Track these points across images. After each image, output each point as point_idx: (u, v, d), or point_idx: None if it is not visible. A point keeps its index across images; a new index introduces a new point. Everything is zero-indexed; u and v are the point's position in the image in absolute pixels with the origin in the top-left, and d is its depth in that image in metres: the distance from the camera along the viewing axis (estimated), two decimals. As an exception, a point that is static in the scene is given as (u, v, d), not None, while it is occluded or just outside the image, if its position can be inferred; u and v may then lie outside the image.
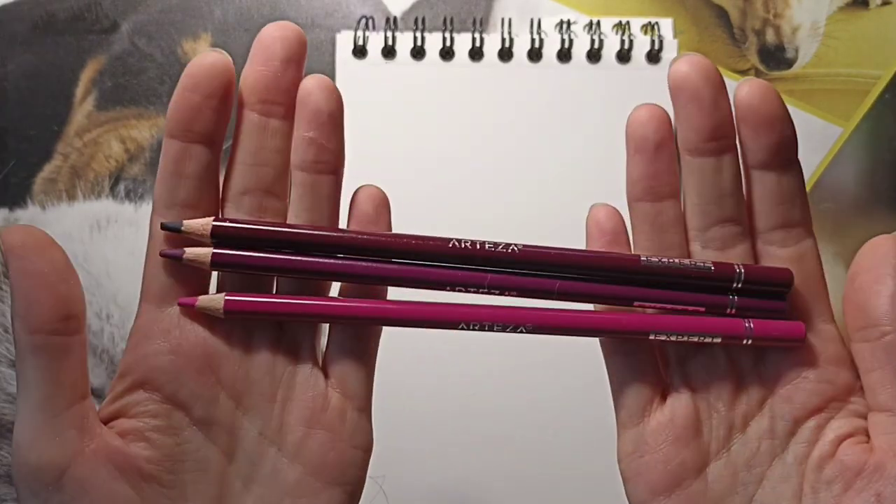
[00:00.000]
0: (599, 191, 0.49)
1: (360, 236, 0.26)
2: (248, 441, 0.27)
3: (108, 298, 0.49)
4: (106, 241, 0.50)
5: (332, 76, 0.50)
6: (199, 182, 0.26)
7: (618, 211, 0.28)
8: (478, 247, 0.26)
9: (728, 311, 0.27)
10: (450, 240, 0.26)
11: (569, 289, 0.27)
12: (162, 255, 0.26)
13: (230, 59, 0.26)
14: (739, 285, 0.26)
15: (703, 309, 0.27)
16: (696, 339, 0.27)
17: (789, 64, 0.50)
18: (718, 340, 0.27)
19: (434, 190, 0.48)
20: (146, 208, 0.51)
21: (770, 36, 0.50)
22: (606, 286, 0.27)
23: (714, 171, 0.26)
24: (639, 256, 0.27)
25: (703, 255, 0.27)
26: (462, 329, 0.27)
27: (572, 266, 0.27)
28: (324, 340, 0.29)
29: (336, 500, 0.27)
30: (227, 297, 0.26)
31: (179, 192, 0.26)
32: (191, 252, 0.26)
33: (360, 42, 0.50)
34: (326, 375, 0.28)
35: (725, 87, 0.26)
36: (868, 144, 0.49)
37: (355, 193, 0.28)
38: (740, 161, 0.27)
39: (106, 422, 0.26)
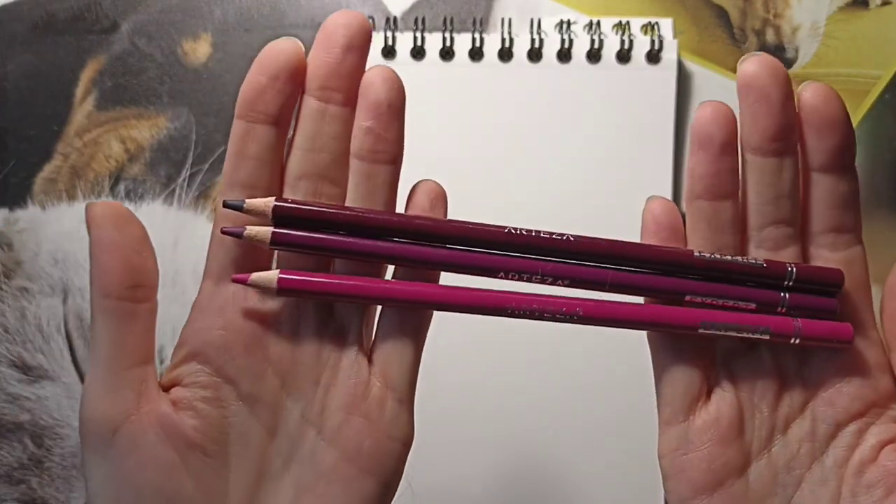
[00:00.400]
0: (599, 190, 0.49)
1: (415, 220, 0.27)
2: (291, 421, 0.27)
3: (108, 298, 0.49)
4: (106, 241, 0.50)
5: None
6: (261, 163, 0.27)
7: (675, 205, 0.28)
8: (533, 234, 0.27)
9: (779, 308, 0.27)
10: (506, 227, 0.27)
11: (621, 280, 0.27)
12: (223, 232, 0.27)
13: (301, 45, 0.27)
14: (791, 283, 0.27)
15: (753, 306, 0.27)
16: (744, 335, 0.27)
17: (789, 64, 0.50)
18: (766, 337, 0.27)
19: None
20: (146, 208, 0.51)
21: (770, 36, 0.50)
22: (659, 278, 0.27)
23: (775, 171, 0.26)
24: (692, 251, 0.27)
25: (755, 254, 0.27)
26: (511, 315, 0.27)
27: (626, 258, 0.27)
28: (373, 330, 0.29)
29: (369, 489, 0.27)
30: (280, 275, 0.26)
31: (241, 171, 0.27)
32: (251, 230, 0.26)
33: (360, 42, 0.50)
34: (371, 364, 0.28)
35: (792, 89, 0.26)
36: (868, 144, 0.49)
37: (414, 186, 0.28)
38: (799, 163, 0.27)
39: (164, 389, 0.27)
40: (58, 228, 0.50)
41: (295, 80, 0.27)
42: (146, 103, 0.52)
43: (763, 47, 0.50)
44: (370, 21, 0.27)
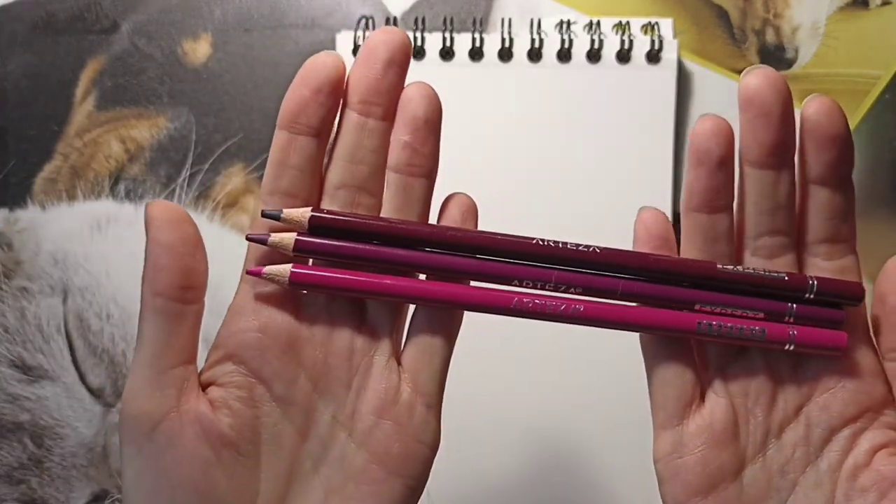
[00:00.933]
0: (599, 190, 0.49)
1: (446, 231, 0.28)
2: (322, 424, 0.28)
3: (108, 298, 0.49)
4: (106, 241, 0.50)
5: (332, 76, 0.50)
6: (302, 173, 0.28)
7: (665, 216, 0.28)
8: (560, 245, 0.27)
9: (786, 318, 0.27)
10: (533, 238, 0.28)
11: (632, 289, 0.27)
12: (248, 238, 0.28)
13: (342, 60, 0.27)
14: (812, 296, 0.27)
15: (762, 315, 0.27)
16: (738, 339, 0.27)
17: (789, 64, 0.50)
18: (761, 342, 0.27)
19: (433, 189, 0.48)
20: (146, 208, 0.51)
21: (770, 36, 0.50)
22: (669, 288, 0.27)
23: (772, 184, 0.27)
24: (715, 264, 0.27)
25: (750, 262, 0.28)
26: (512, 313, 0.27)
27: (651, 269, 0.27)
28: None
29: (397, 491, 0.28)
30: (293, 269, 0.27)
31: (283, 180, 0.27)
32: (276, 237, 0.27)
33: (360, 42, 0.50)
34: (401, 370, 0.29)
35: (793, 103, 0.26)
36: (868, 144, 0.49)
37: (446, 199, 0.29)
38: (797, 174, 0.27)
39: (202, 388, 0.28)
40: (58, 228, 0.50)
41: (336, 93, 0.27)
42: (146, 103, 0.52)
43: (763, 47, 0.50)
44: (409, 38, 0.28)
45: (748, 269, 0.27)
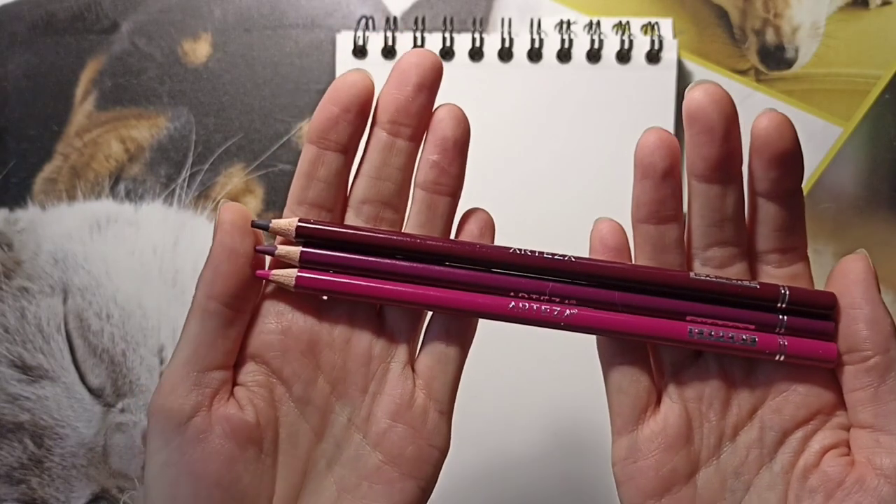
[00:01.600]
0: (599, 191, 0.49)
1: (426, 242, 0.28)
2: (338, 425, 0.29)
3: (108, 298, 0.49)
4: (106, 241, 0.50)
5: (332, 76, 0.50)
6: (328, 186, 0.28)
7: (621, 227, 0.29)
8: (536, 255, 0.28)
9: (777, 330, 0.28)
10: (510, 247, 0.28)
11: (628, 301, 0.28)
12: (256, 250, 0.28)
13: (372, 79, 0.28)
14: (784, 305, 0.27)
15: (753, 327, 0.28)
16: (729, 346, 0.27)
17: (789, 64, 0.50)
18: (753, 351, 0.27)
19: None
20: (146, 208, 0.51)
21: (770, 36, 0.50)
22: (664, 300, 0.28)
23: (718, 197, 0.27)
24: (688, 273, 0.28)
25: (701, 271, 0.28)
26: (504, 318, 0.28)
27: (624, 279, 0.28)
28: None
29: (409, 491, 0.29)
30: (298, 273, 0.28)
31: (310, 192, 0.29)
32: (282, 249, 0.28)
33: (360, 42, 0.50)
34: (416, 377, 0.30)
35: (737, 119, 0.27)
36: (868, 144, 0.49)
37: (465, 214, 0.30)
38: (746, 185, 0.28)
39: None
40: (58, 228, 0.50)
41: (364, 112, 0.28)
42: (146, 103, 0.52)
43: (763, 47, 0.50)
44: (441, 61, 0.29)
45: (721, 278, 0.28)
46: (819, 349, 0.27)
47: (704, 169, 0.27)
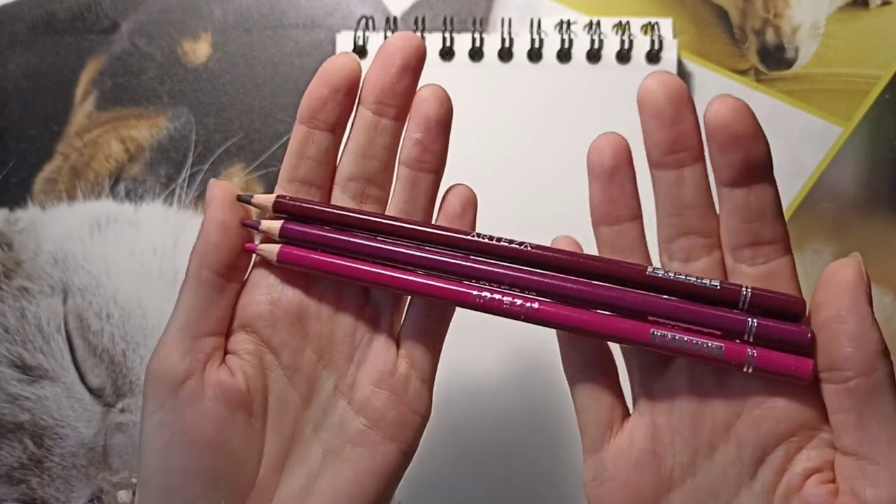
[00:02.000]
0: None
1: (395, 223, 0.29)
2: (324, 392, 0.30)
3: (108, 298, 0.49)
4: (106, 241, 0.50)
5: (332, 76, 0.50)
6: (317, 164, 0.30)
7: (578, 244, 0.29)
8: (494, 241, 0.28)
9: (746, 337, 0.25)
10: (470, 232, 0.29)
11: (585, 295, 0.27)
12: (242, 224, 0.30)
13: (359, 62, 0.30)
14: (745, 307, 0.25)
15: (719, 333, 0.26)
16: (693, 352, 0.26)
17: (789, 64, 0.50)
18: (718, 357, 0.26)
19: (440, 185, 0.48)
20: (146, 208, 0.51)
21: (770, 36, 0.50)
22: (621, 292, 0.27)
23: (675, 183, 0.26)
24: (645, 267, 0.27)
25: (669, 266, 0.27)
26: (470, 305, 0.28)
27: (580, 270, 0.27)
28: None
29: (391, 455, 0.30)
30: (282, 248, 0.30)
31: (300, 170, 0.30)
32: (266, 223, 0.30)
33: (360, 42, 0.50)
34: (398, 347, 0.31)
35: (691, 103, 0.26)
36: (868, 144, 0.49)
37: (448, 190, 0.31)
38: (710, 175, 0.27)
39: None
40: (58, 228, 0.50)
41: (352, 93, 0.29)
42: (146, 103, 0.52)
43: (763, 47, 0.50)
44: (425, 43, 0.30)
45: (679, 275, 0.26)
46: (791, 365, 0.25)
47: (657, 154, 0.26)
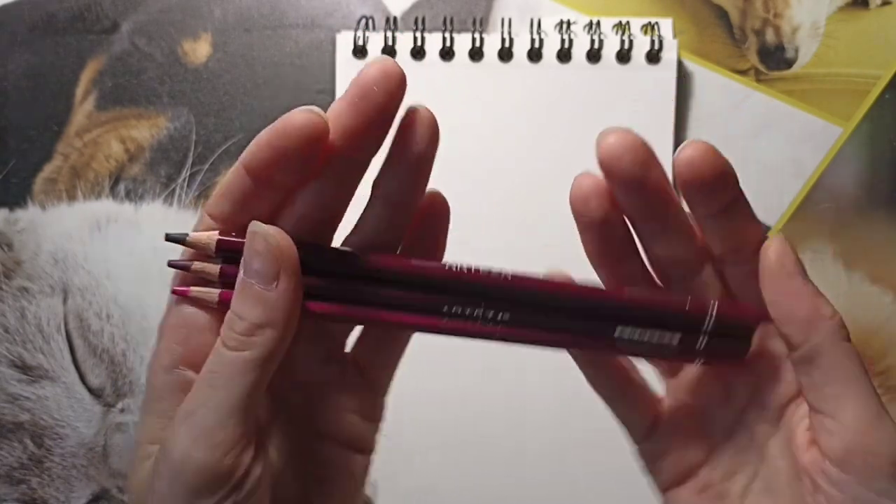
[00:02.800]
0: (599, 191, 0.49)
1: (358, 259, 0.26)
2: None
3: (108, 298, 0.49)
4: (106, 241, 0.50)
5: (332, 76, 0.50)
6: (245, 208, 0.26)
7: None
8: (472, 271, 0.27)
9: (697, 346, 0.27)
10: (445, 264, 0.27)
11: (557, 324, 0.27)
12: (170, 264, 0.26)
13: (324, 122, 0.26)
14: (711, 320, 0.27)
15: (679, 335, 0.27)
16: (653, 351, 0.27)
17: (789, 64, 0.50)
18: (673, 348, 0.27)
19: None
20: (146, 208, 0.51)
21: (770, 36, 0.50)
22: (591, 321, 0.27)
23: (656, 235, 0.27)
24: (623, 290, 0.27)
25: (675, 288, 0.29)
26: (438, 329, 0.27)
27: (560, 297, 0.27)
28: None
29: (358, 461, 0.29)
30: (222, 291, 0.26)
31: (226, 206, 0.26)
32: (198, 265, 0.26)
33: (360, 42, 0.50)
34: (358, 365, 0.29)
35: (653, 159, 0.26)
36: (868, 144, 0.49)
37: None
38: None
39: None
40: (58, 228, 0.50)
41: (307, 160, 0.26)
42: (146, 103, 0.52)
43: (763, 47, 0.50)
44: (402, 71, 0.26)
45: (655, 293, 0.27)
46: (733, 351, 0.28)
47: (633, 216, 0.27)
